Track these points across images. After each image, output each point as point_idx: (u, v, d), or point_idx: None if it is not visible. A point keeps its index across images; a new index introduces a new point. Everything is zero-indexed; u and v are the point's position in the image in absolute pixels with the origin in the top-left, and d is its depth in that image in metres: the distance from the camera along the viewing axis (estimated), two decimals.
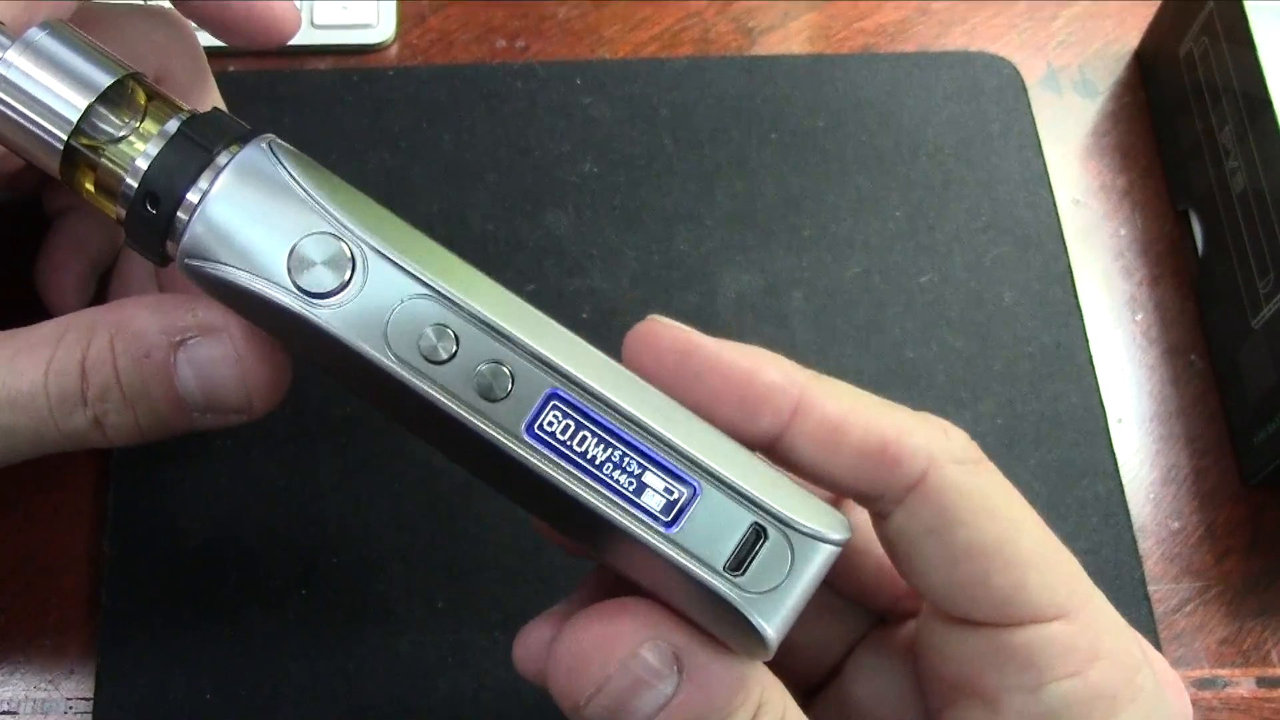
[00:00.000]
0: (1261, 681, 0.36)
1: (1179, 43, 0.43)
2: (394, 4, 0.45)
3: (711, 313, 0.40)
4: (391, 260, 0.23)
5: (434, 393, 0.22)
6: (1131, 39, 0.47)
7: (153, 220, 0.24)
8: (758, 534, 0.22)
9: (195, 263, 0.23)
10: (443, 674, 0.35)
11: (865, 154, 0.43)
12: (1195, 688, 0.36)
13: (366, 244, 0.23)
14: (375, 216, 0.23)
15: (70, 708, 0.34)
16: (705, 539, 0.22)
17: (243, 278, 0.23)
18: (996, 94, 0.44)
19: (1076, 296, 0.41)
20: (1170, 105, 0.44)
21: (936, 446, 0.23)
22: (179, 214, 0.24)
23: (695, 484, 0.22)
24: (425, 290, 0.22)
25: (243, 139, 0.24)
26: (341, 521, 0.36)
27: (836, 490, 0.24)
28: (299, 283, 0.23)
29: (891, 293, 0.41)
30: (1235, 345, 0.39)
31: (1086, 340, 0.40)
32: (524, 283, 0.40)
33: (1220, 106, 0.40)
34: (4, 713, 0.34)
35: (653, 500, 0.22)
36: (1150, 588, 0.37)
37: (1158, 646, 0.36)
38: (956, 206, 0.42)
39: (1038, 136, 0.43)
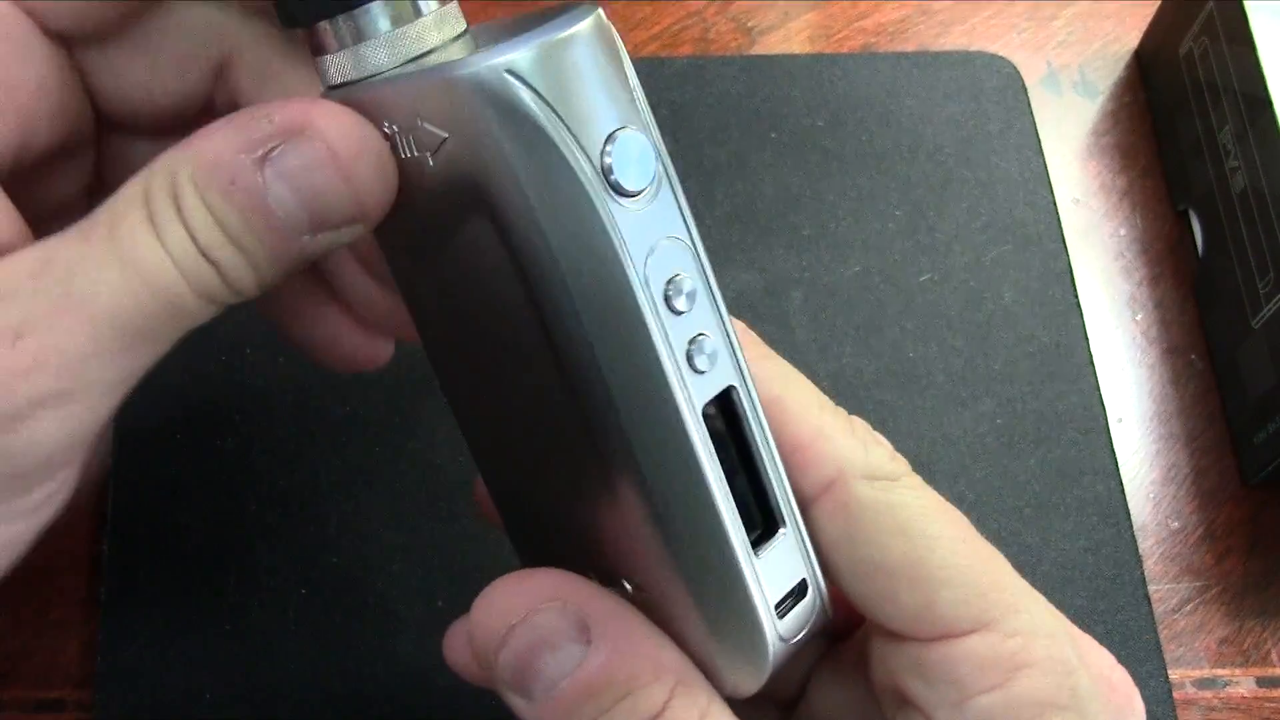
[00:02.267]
0: (1261, 681, 0.36)
1: (1179, 43, 0.43)
2: None
3: None
4: (676, 193, 0.22)
5: (656, 334, 0.21)
6: (1131, 39, 0.47)
7: None
8: (801, 589, 0.23)
9: (516, 83, 0.21)
10: (443, 674, 0.34)
11: (865, 154, 0.43)
12: (1195, 688, 0.36)
13: (665, 165, 0.22)
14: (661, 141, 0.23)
15: (70, 708, 0.34)
16: (772, 575, 0.23)
17: (555, 131, 0.21)
18: (996, 94, 0.44)
19: (1076, 296, 0.41)
20: (1170, 105, 0.44)
21: (850, 459, 0.23)
22: None
23: (785, 522, 0.23)
24: (688, 239, 0.22)
25: None
26: (341, 521, 0.36)
27: None
28: (607, 165, 0.21)
29: (891, 292, 0.41)
30: (1235, 345, 0.39)
31: (1086, 340, 0.40)
32: None
33: (1220, 106, 0.40)
34: (4, 713, 0.34)
35: (750, 523, 0.23)
36: (1150, 588, 0.37)
37: (1157, 646, 0.36)
38: (956, 206, 0.42)
39: (1038, 136, 0.43)
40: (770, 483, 0.23)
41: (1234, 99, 0.40)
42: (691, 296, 0.22)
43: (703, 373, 0.22)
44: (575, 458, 0.23)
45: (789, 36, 0.46)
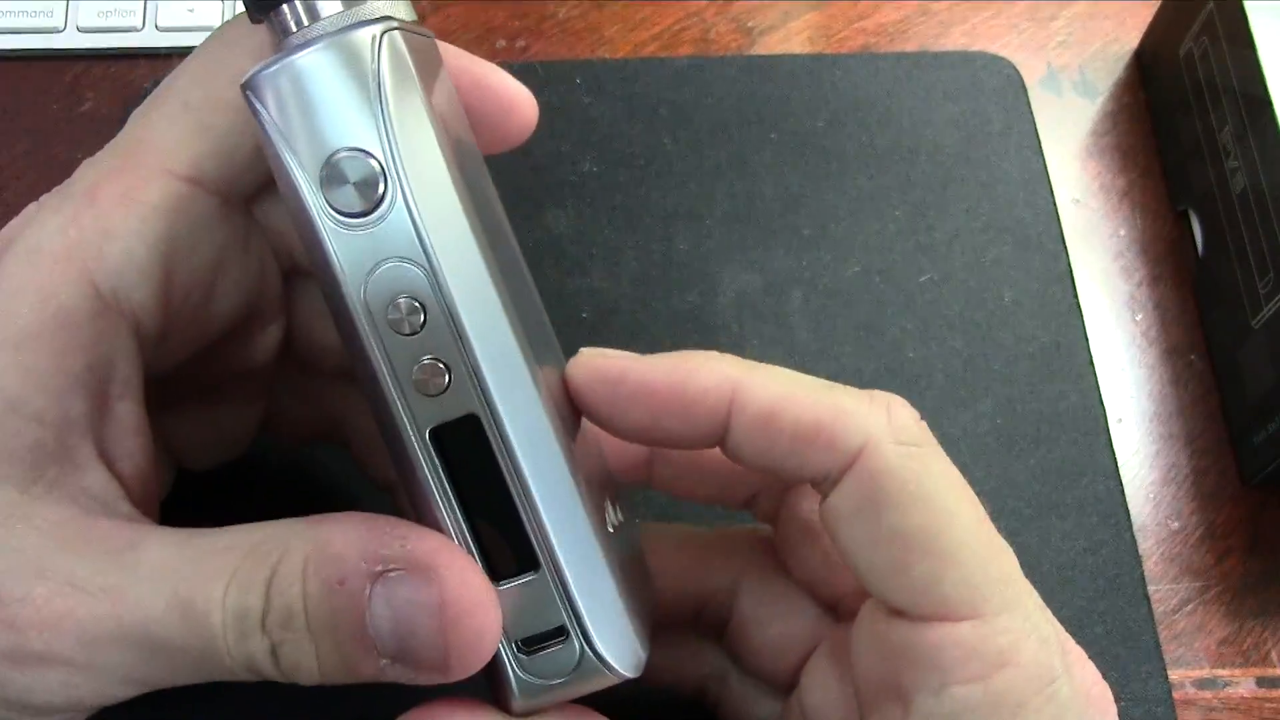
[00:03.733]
0: (1261, 681, 0.36)
1: (1179, 43, 0.43)
2: None
3: (711, 313, 0.40)
4: (414, 216, 0.22)
5: (376, 354, 0.22)
6: (1131, 39, 0.47)
7: None
8: (559, 633, 0.23)
9: (253, 99, 0.22)
10: None
11: (865, 154, 0.43)
12: (1195, 688, 0.36)
13: (403, 187, 0.22)
14: (433, 165, 0.22)
15: None
16: (515, 611, 0.23)
17: (281, 147, 0.22)
18: (996, 94, 0.44)
19: (1076, 296, 0.41)
20: (1170, 105, 0.44)
21: (875, 426, 0.23)
22: None
23: (539, 565, 0.23)
24: (424, 263, 0.22)
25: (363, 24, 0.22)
26: None
27: (787, 480, 0.25)
28: (325, 189, 0.22)
29: (891, 293, 0.41)
30: (1235, 345, 0.39)
31: (1086, 340, 0.40)
32: None
33: (1220, 106, 0.40)
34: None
35: (493, 552, 0.23)
36: (1150, 588, 0.37)
37: (1157, 646, 0.36)
38: (956, 206, 0.42)
39: (1038, 136, 0.43)
40: (524, 520, 0.22)
41: (1234, 99, 0.40)
42: (418, 319, 0.22)
43: (433, 396, 0.22)
44: None
45: (789, 36, 0.46)
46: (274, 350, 0.30)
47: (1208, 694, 0.36)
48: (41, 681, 0.23)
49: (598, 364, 0.24)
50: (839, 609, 0.28)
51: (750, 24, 0.47)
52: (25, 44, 0.44)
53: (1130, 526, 0.37)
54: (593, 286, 0.40)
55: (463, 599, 0.22)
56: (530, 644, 0.23)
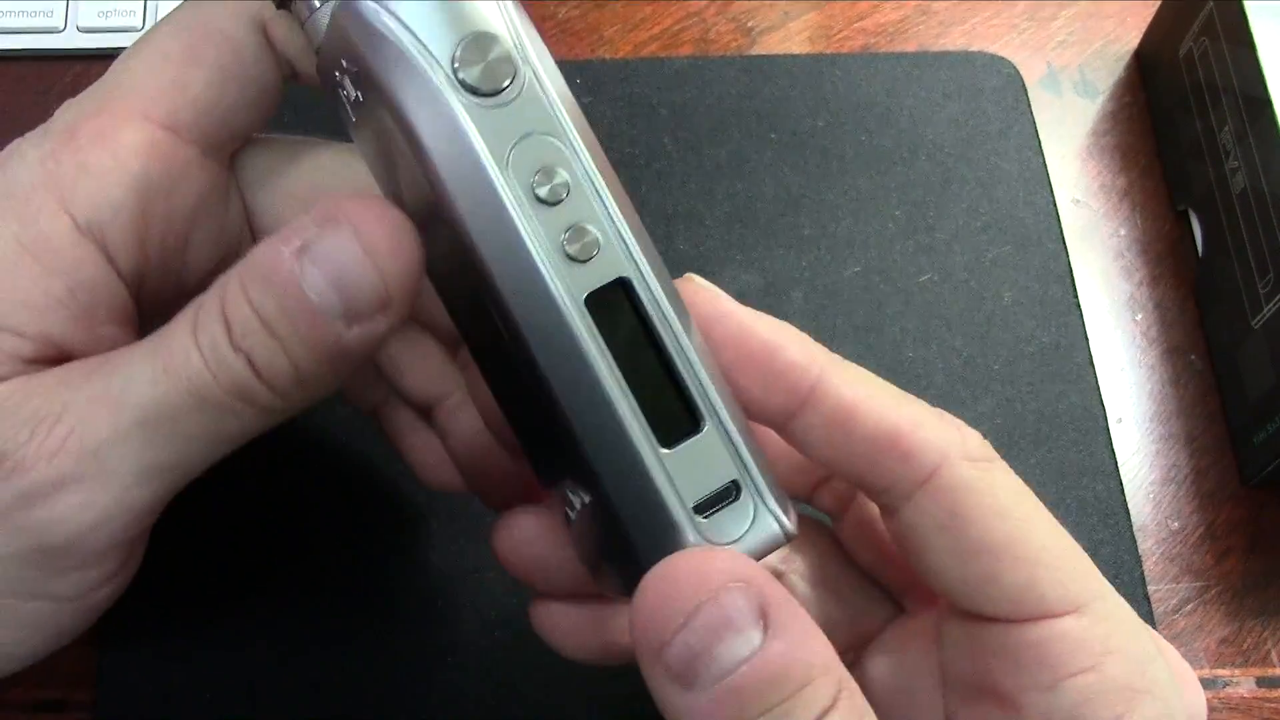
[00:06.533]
0: (1261, 681, 0.36)
1: (1179, 43, 0.43)
2: None
3: None
4: (545, 94, 0.22)
5: (523, 228, 0.22)
6: (1131, 39, 0.47)
7: None
8: (732, 491, 0.23)
9: (370, 5, 0.22)
10: (443, 674, 0.35)
11: (865, 154, 0.43)
12: None
13: (533, 69, 0.22)
14: (546, 54, 0.23)
15: (70, 708, 0.34)
16: (688, 472, 0.22)
17: (405, 37, 0.22)
18: (996, 94, 0.44)
19: (1076, 296, 0.41)
20: (1170, 105, 0.44)
21: (950, 443, 0.23)
22: None
23: (703, 420, 0.22)
24: (561, 137, 0.22)
25: None
26: (342, 520, 0.36)
27: (845, 478, 0.25)
28: (458, 66, 0.22)
29: (891, 292, 0.41)
30: (1235, 345, 0.39)
31: (1086, 340, 0.40)
32: None
33: (1220, 106, 0.40)
34: (4, 713, 0.34)
35: (660, 418, 0.22)
36: (1150, 588, 0.37)
37: None
38: (956, 206, 0.42)
39: (1038, 136, 0.44)
40: (685, 378, 0.22)
41: (1234, 99, 0.40)
42: (561, 189, 0.22)
43: (583, 262, 0.22)
44: (514, 365, 0.23)
45: (789, 36, 0.46)
46: None
47: (1208, 694, 0.36)
48: (61, 510, 0.24)
49: (701, 295, 0.24)
50: (905, 596, 0.28)
51: (750, 24, 0.47)
52: (25, 44, 0.44)
53: (1130, 526, 0.37)
54: None
55: (376, 224, 0.23)
56: (704, 508, 0.22)
